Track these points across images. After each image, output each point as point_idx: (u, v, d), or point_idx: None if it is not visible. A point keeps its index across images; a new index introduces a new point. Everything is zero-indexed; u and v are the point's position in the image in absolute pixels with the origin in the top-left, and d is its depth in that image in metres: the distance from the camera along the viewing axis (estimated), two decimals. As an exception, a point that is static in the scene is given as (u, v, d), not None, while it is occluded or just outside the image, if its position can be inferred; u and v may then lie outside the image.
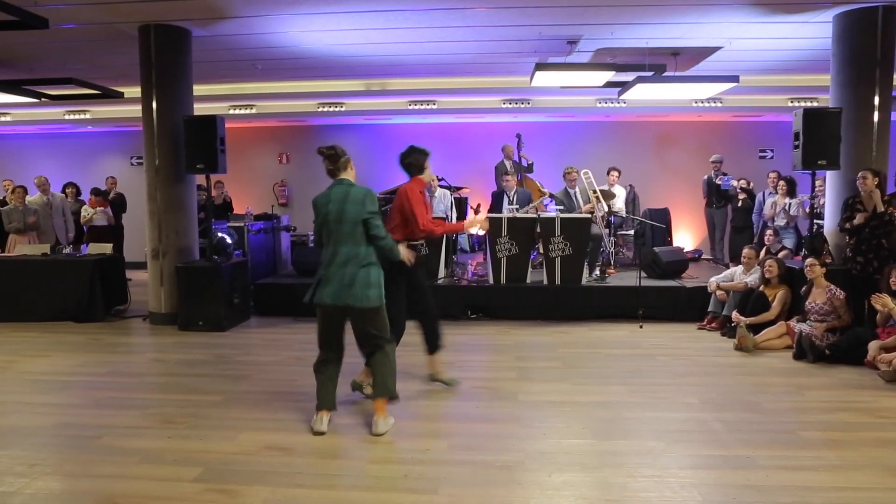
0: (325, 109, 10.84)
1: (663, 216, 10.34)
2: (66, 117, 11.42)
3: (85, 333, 6.66)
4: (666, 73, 7.60)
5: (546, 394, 4.52)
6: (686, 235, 11.58)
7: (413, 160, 4.66)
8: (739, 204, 9.17)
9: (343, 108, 10.82)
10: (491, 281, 7.31)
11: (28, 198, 8.53)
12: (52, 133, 12.72)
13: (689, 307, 6.94)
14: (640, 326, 6.65)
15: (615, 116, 11.38)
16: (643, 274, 7.29)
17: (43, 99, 8.67)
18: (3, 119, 11.62)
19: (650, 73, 7.50)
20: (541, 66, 7.14)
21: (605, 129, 11.81)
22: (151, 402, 4.34)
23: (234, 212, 9.77)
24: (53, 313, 7.17)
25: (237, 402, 4.40)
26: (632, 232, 9.09)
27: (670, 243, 10.02)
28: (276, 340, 6.31)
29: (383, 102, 10.74)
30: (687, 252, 8.82)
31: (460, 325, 6.90)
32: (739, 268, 6.69)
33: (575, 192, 7.90)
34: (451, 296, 7.23)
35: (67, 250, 7.93)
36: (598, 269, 7.66)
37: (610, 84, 7.92)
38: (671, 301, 7.06)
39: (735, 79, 7.38)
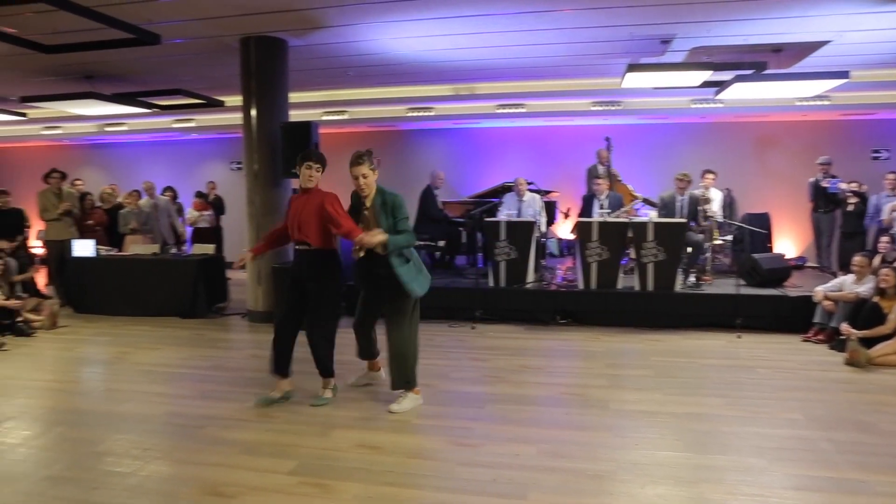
0: (415, 114, 11.01)
1: (763, 221, 9.84)
2: (174, 126, 12.17)
3: (189, 329, 7.06)
4: (767, 71, 7.23)
5: (638, 403, 4.40)
6: (788, 242, 10.96)
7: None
8: (850, 208, 8.59)
9: (432, 113, 10.95)
10: (581, 286, 7.19)
11: (139, 202, 9.15)
12: (160, 141, 13.60)
13: (792, 317, 6.56)
14: (738, 336, 6.35)
15: (711, 117, 10.94)
16: (741, 281, 6.96)
17: (154, 109, 9.29)
18: (119, 129, 12.52)
19: (750, 72, 7.16)
20: (633, 68, 6.96)
21: (700, 130, 11.37)
22: (250, 396, 4.54)
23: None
24: (162, 309, 7.66)
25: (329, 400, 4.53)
26: (729, 238, 8.70)
27: (771, 250, 9.52)
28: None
29: (472, 107, 10.80)
30: (789, 259, 8.36)
31: (549, 330, 6.82)
32: (850, 276, 6.26)
33: (683, 200, 7.64)
34: (539, 300, 7.17)
35: (174, 250, 8.45)
36: (692, 275, 7.39)
37: (706, 84, 7.62)
38: (772, 311, 6.69)
39: (845, 74, 6.92)
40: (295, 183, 7.69)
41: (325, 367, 4.45)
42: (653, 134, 11.44)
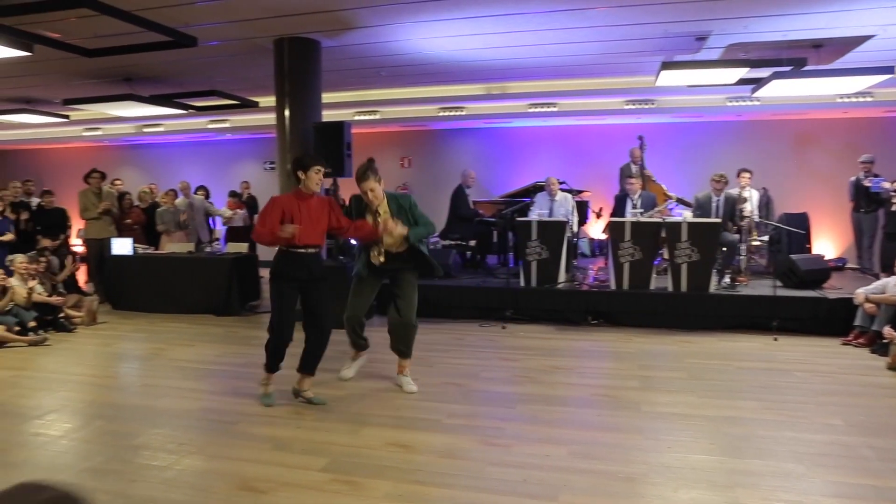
0: (446, 114, 11.02)
1: (801, 221, 9.61)
2: (209, 126, 12.39)
3: (223, 326, 7.17)
4: (806, 68, 7.07)
5: (671, 405, 4.34)
6: (827, 242, 10.70)
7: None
8: (893, 208, 8.34)
9: (463, 112, 10.95)
10: (613, 286, 7.12)
11: (176, 200, 9.34)
12: (195, 141, 13.85)
13: (831, 320, 6.40)
14: (775, 339, 6.22)
15: (747, 115, 10.73)
16: (778, 283, 6.82)
17: (190, 110, 9.47)
18: (156, 129, 12.79)
19: (788, 68, 7.00)
20: (667, 65, 6.86)
21: (736, 128, 11.17)
22: (282, 394, 4.59)
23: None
24: (196, 306, 7.80)
25: (360, 397, 4.56)
26: (765, 238, 8.53)
27: (809, 250, 9.30)
28: (396, 339, 6.48)
29: (503, 106, 10.76)
30: (828, 260, 8.15)
31: (580, 330, 6.77)
32: (893, 278, 6.08)
33: (719, 201, 7.51)
34: (571, 300, 7.12)
35: (209, 249, 8.60)
36: (727, 276, 7.25)
37: (742, 81, 7.47)
38: (810, 313, 6.54)
39: (889, 70, 6.72)
40: (327, 182, 7.80)
41: (316, 364, 4.46)
42: (687, 133, 11.27)
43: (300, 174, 4.30)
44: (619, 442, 3.69)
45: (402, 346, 4.74)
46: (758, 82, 7.35)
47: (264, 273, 8.65)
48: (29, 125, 12.05)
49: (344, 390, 4.73)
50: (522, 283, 7.38)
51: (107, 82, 8.69)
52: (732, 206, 7.53)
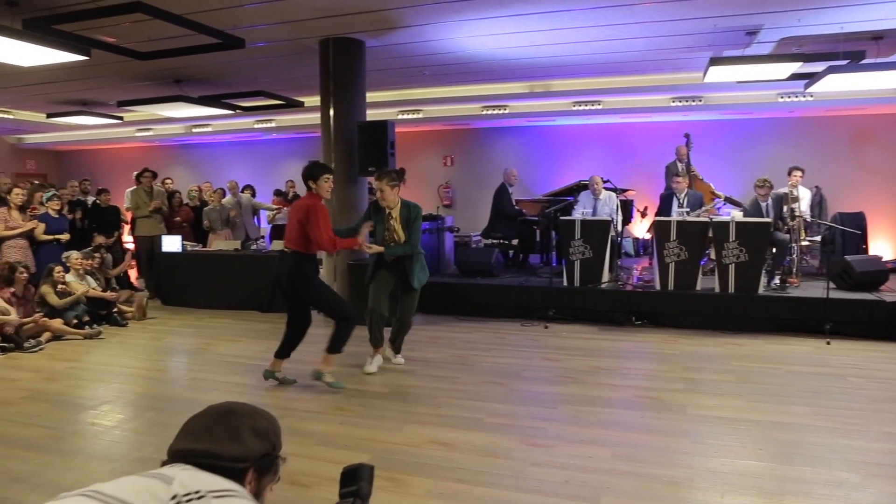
0: (489, 112, 11.00)
1: (857, 221, 9.25)
2: (255, 126, 12.63)
3: (268, 322, 7.30)
4: (865, 61, 6.80)
5: (717, 409, 4.24)
6: (885, 243, 10.30)
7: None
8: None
9: (506, 111, 10.91)
10: (657, 287, 7.00)
11: (223, 199, 9.56)
12: (242, 141, 14.14)
13: (889, 324, 6.16)
14: (828, 343, 6.01)
15: (800, 111, 10.40)
16: (831, 285, 6.59)
17: (237, 110, 9.67)
18: (205, 130, 13.11)
19: (845, 62, 6.76)
20: (716, 61, 6.71)
21: (788, 125, 10.83)
22: (327, 390, 4.65)
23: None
24: (242, 302, 7.97)
25: (402, 395, 4.59)
26: (818, 238, 8.25)
27: (866, 251, 8.96)
28: (438, 338, 6.50)
29: (547, 104, 10.68)
30: (887, 262, 7.84)
31: (624, 331, 6.68)
32: (955, 281, 5.82)
33: (767, 206, 7.31)
34: (614, 301, 7.03)
35: (254, 247, 8.77)
36: (777, 277, 7.05)
37: (795, 76, 7.25)
38: (866, 316, 6.30)
39: (954, 63, 6.44)
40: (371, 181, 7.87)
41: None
42: (735, 130, 10.99)
43: (311, 183, 4.56)
44: (663, 445, 3.63)
45: (394, 339, 5.40)
46: (812, 77, 7.13)
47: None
48: (85, 126, 12.51)
49: (385, 388, 4.77)
50: (565, 283, 7.32)
51: (158, 84, 8.95)
52: (781, 205, 7.31)
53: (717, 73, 6.92)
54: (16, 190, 7.26)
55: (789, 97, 9.53)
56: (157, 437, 3.80)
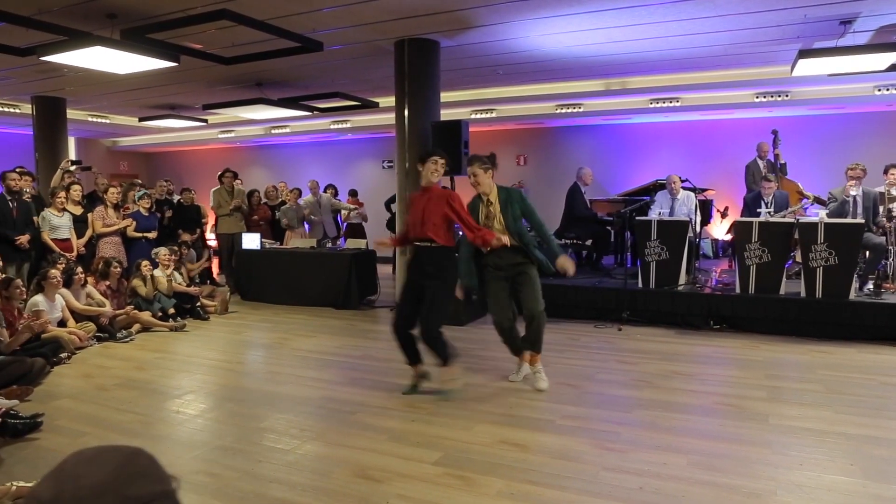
0: (563, 111, 10.85)
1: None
2: (332, 127, 12.93)
3: (342, 319, 7.47)
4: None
5: (803, 419, 4.02)
6: None
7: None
8: None
9: (581, 109, 10.73)
10: (737, 290, 6.72)
11: (303, 198, 9.84)
12: (319, 141, 14.50)
13: None
14: (928, 353, 5.62)
15: (899, 105, 9.76)
16: (933, 291, 6.15)
17: (314, 112, 9.93)
18: (283, 131, 13.53)
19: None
20: (805, 53, 6.37)
21: (885, 119, 10.17)
22: (396, 386, 4.71)
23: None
24: (317, 299, 8.18)
25: (474, 394, 4.58)
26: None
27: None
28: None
29: (623, 102, 10.43)
30: None
31: (701, 335, 6.45)
32: None
33: (856, 196, 6.91)
34: (692, 303, 6.80)
35: (329, 245, 8.99)
36: (871, 282, 6.64)
37: (893, 67, 6.80)
38: (973, 325, 5.85)
39: None
40: (445, 180, 7.92)
41: (445, 357, 4.43)
42: (825, 125, 10.42)
43: (419, 167, 4.51)
44: (743, 455, 3.48)
45: (529, 337, 4.75)
46: (913, 68, 6.67)
47: (379, 269, 8.99)
48: (172, 129, 13.15)
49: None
50: (640, 284, 7.14)
51: (240, 87, 9.31)
52: (876, 206, 6.87)
53: (807, 67, 6.58)
54: (112, 190, 7.72)
55: (888, 90, 8.94)
56: (237, 428, 3.95)
